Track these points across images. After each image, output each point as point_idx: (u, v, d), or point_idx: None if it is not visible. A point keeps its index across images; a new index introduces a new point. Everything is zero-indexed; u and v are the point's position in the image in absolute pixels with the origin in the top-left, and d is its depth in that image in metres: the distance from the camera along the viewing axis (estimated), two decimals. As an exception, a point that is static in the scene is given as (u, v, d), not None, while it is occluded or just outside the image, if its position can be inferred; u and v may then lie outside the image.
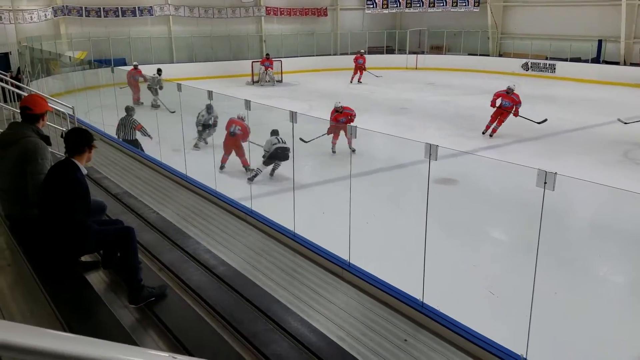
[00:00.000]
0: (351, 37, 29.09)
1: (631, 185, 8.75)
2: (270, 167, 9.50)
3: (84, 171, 3.66)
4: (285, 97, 19.79)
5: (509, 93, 12.47)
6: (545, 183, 3.35)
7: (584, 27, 22.85)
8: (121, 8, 23.80)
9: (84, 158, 3.69)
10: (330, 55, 28.63)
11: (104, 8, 23.44)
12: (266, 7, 27.21)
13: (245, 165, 9.70)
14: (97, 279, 3.98)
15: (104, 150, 8.90)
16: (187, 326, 3.35)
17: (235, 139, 9.75)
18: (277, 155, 9.23)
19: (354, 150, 9.00)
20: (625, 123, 10.97)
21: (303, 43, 27.74)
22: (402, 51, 28.98)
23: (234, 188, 6.91)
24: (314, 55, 27.70)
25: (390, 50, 29.49)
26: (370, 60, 27.92)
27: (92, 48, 22.64)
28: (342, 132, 10.62)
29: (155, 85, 16.43)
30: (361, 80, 22.53)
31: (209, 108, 11.03)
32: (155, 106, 15.33)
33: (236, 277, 4.25)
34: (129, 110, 10.69)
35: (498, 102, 12.56)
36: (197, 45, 25.43)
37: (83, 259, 4.15)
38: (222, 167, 9.71)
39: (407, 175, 9.15)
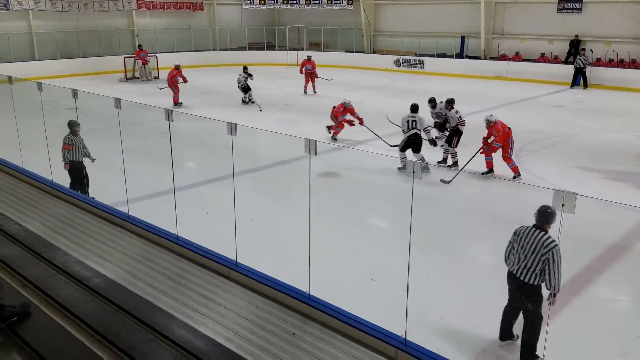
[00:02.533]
0: (230, 32, 28.70)
1: (494, 171, 9.62)
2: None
3: None
4: (164, 94, 19.02)
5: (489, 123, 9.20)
6: (413, 172, 3.53)
7: (448, 25, 24.58)
8: (-28, 3, 21.37)
9: None
10: (209, 50, 28.00)
11: (-50, 2, 20.90)
12: (137, 1, 25.90)
13: None
14: (-53, 304, 3.54)
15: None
16: (56, 345, 3.10)
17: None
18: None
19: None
20: (391, 122, 10.92)
21: (179, 38, 26.84)
22: (282, 48, 29.16)
23: (108, 193, 6.49)
24: (192, 51, 26.93)
25: (270, 47, 29.55)
26: (252, 56, 27.83)
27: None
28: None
29: (244, 83, 16.67)
30: (316, 90, 18.96)
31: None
32: (250, 101, 16.69)
33: (112, 288, 4.00)
34: (73, 125, 7.75)
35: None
36: (62, 41, 23.57)
37: None
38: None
39: (291, 171, 9.23)
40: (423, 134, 9.36)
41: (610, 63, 20.32)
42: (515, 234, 4.53)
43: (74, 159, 7.54)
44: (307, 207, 4.65)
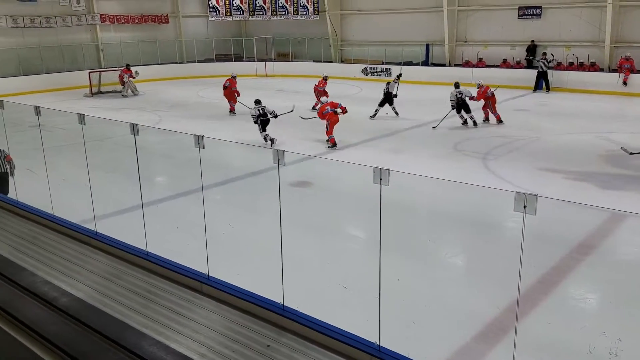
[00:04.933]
0: (196, 44, 28.57)
1: (461, 175, 9.79)
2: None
3: None
4: (131, 108, 18.82)
5: None
6: (380, 179, 3.58)
7: (413, 33, 24.99)
8: None
9: None
10: (176, 63, 27.82)
11: None
12: (100, 15, 25.59)
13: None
14: None
15: None
16: (23, 369, 3.02)
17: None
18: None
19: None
20: (631, 153, 9.96)
21: (145, 51, 26.58)
22: (250, 59, 29.16)
23: (74, 211, 6.37)
24: (158, 64, 26.71)
25: (238, 58, 29.51)
26: (219, 67, 27.68)
27: None
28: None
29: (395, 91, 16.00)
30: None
31: None
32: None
33: (81, 308, 3.93)
34: None
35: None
36: (24, 58, 23.11)
37: None
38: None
39: (262, 182, 9.22)
40: None
41: (571, 67, 20.94)
42: None
43: None
44: (279, 217, 4.65)
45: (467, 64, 23.38)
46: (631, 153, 9.96)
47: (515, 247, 3.63)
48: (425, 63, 24.75)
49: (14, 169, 8.33)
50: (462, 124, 14.40)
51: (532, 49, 21.88)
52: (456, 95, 14.49)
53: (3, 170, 8.30)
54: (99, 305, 4.16)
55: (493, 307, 5.38)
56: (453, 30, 24.09)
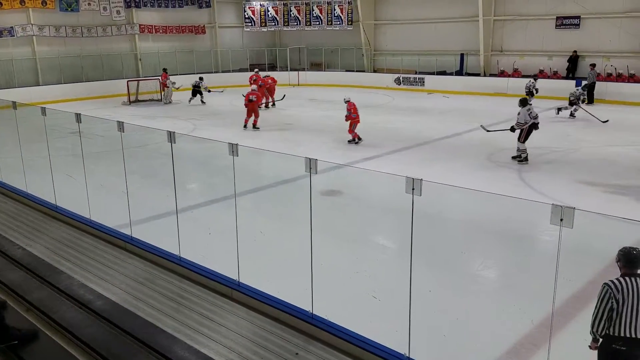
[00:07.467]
0: (232, 54, 29.02)
1: (494, 186, 9.63)
2: None
3: None
4: (167, 116, 19.19)
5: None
6: (413, 189, 3.56)
7: (447, 43, 24.83)
8: (-23, 30, 21.73)
9: None
10: (211, 72, 28.29)
11: (-44, 30, 21.30)
12: (140, 25, 26.28)
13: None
14: (-50, 329, 3.55)
15: (-42, 184, 8.01)
16: (59, 369, 3.10)
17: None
18: None
19: None
20: (487, 130, 12.27)
21: (182, 61, 27.15)
22: (283, 68, 29.44)
23: (111, 216, 6.52)
24: (194, 73, 27.19)
25: (272, 67, 29.83)
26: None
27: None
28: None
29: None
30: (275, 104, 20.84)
31: None
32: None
33: (115, 311, 4.02)
34: None
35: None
36: (66, 66, 23.90)
37: None
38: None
39: (292, 190, 9.27)
40: None
41: (609, 77, 20.40)
42: (615, 294, 3.63)
43: None
44: (309, 225, 4.67)
45: (502, 74, 23.06)
46: (487, 130, 11.87)
47: (550, 261, 3.55)
48: (460, 73, 24.53)
49: None
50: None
51: (574, 60, 21.39)
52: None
53: None
54: (132, 308, 4.25)
55: (526, 321, 5.26)
56: (489, 39, 23.82)
